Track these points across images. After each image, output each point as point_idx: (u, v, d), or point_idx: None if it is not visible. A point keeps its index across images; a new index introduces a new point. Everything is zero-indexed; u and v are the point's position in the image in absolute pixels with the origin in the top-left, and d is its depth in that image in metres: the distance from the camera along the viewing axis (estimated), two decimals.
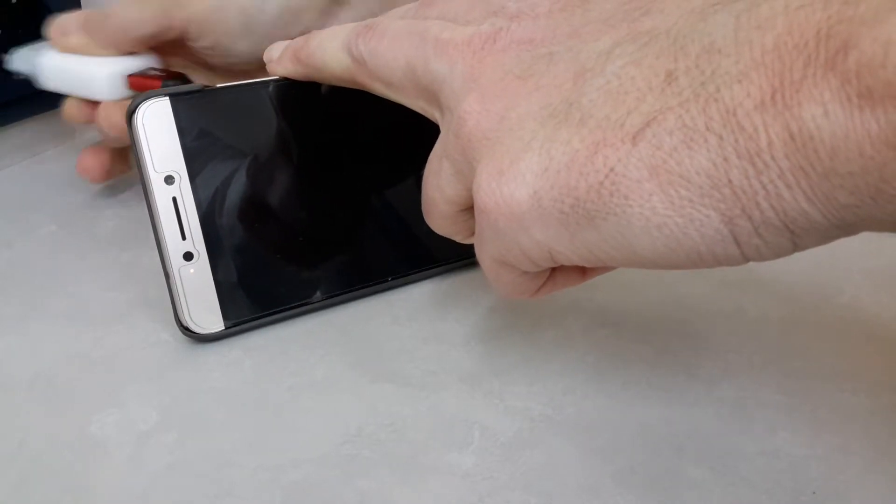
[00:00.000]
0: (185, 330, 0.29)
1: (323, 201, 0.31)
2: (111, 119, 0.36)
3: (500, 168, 0.21)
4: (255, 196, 0.30)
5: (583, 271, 0.25)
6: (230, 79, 0.40)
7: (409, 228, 0.33)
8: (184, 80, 0.37)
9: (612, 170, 0.19)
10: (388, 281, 0.32)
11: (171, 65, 0.39)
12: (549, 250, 0.21)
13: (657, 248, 0.19)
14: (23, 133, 0.45)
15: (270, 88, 0.30)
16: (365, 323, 0.31)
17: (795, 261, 0.35)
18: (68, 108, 0.39)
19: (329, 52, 0.28)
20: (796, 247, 0.18)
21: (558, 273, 0.25)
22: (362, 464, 0.25)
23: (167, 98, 0.28)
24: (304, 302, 0.31)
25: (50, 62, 0.38)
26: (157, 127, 0.28)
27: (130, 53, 0.37)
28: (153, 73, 0.38)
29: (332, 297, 0.31)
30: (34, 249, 0.36)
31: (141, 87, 0.38)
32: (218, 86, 0.29)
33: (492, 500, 0.23)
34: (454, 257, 0.34)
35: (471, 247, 0.34)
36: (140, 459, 0.25)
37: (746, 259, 0.19)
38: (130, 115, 0.28)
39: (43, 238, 0.37)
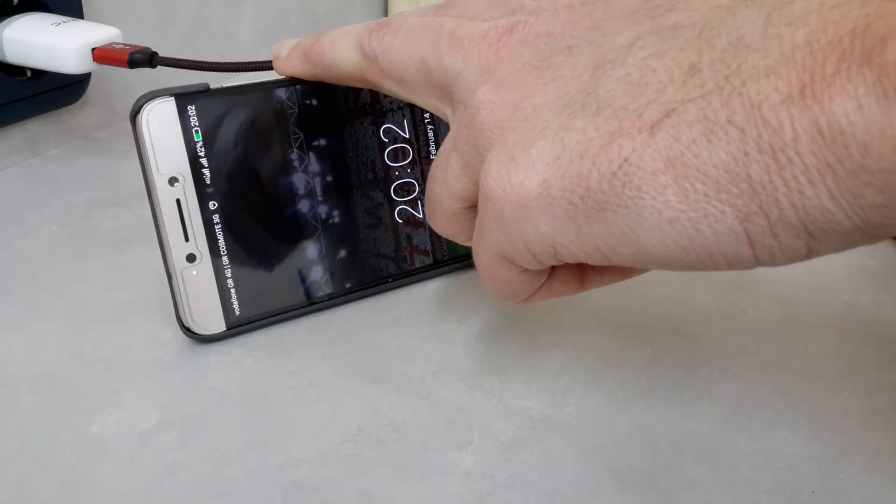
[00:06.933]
0: (187, 331, 0.29)
1: (327, 202, 0.31)
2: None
3: (511, 155, 0.20)
4: (259, 197, 0.30)
5: (580, 281, 0.25)
6: None
7: (409, 229, 0.33)
8: (148, 52, 0.38)
9: (626, 160, 0.18)
10: (388, 282, 0.32)
11: None
12: (554, 244, 0.20)
13: (667, 245, 0.18)
14: (23, 133, 0.45)
15: (277, 88, 0.30)
16: (365, 323, 0.31)
17: None
18: None
19: (340, 49, 0.27)
20: (811, 251, 0.17)
21: (555, 279, 0.24)
22: (362, 464, 0.25)
23: (172, 98, 0.28)
24: (305, 303, 0.31)
25: (13, 35, 0.38)
26: (162, 127, 0.28)
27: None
28: (119, 46, 0.39)
29: (333, 297, 0.31)
30: (35, 249, 0.36)
31: (107, 59, 0.39)
32: (224, 85, 0.29)
33: (492, 500, 0.23)
34: (455, 258, 0.34)
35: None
36: (140, 459, 0.25)
37: (758, 261, 0.18)
38: (134, 115, 0.27)
39: (43, 238, 0.37)
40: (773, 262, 0.18)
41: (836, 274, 0.35)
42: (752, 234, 0.17)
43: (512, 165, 0.20)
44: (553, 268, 0.23)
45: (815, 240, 0.17)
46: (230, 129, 0.29)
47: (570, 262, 0.21)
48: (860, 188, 0.16)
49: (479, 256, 0.23)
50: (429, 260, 0.33)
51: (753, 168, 0.16)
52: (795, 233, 0.17)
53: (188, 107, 0.28)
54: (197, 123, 0.28)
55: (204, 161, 0.28)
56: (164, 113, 0.28)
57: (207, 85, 0.28)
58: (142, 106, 0.27)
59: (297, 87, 0.30)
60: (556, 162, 0.19)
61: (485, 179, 0.21)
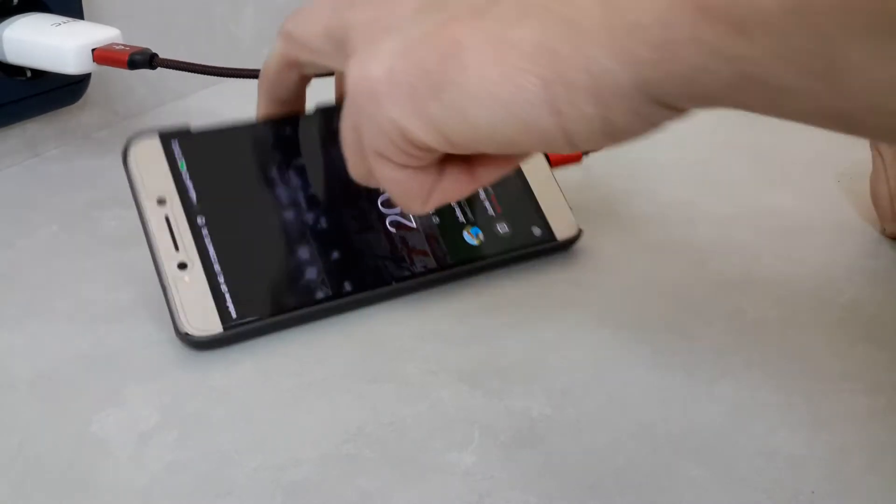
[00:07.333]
0: (185, 336, 0.29)
1: (312, 211, 0.32)
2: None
3: (366, 53, 0.23)
4: (244, 207, 0.31)
5: (471, 177, 0.25)
6: None
7: (403, 233, 0.33)
8: (148, 53, 0.39)
9: (457, 42, 0.21)
10: (391, 284, 0.32)
11: None
12: (402, 128, 0.22)
13: (491, 120, 0.20)
14: (23, 133, 0.45)
15: (248, 129, 0.32)
16: (365, 323, 0.31)
17: (795, 261, 0.35)
18: None
19: (271, 54, 0.31)
20: (608, 124, 0.19)
21: (445, 179, 0.25)
22: (362, 464, 0.25)
23: (156, 134, 0.31)
24: (299, 305, 0.31)
25: (13, 35, 0.39)
26: (149, 157, 0.30)
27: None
28: (119, 47, 0.39)
29: (331, 299, 0.31)
30: (35, 250, 0.36)
31: (107, 60, 0.39)
32: (202, 127, 0.32)
33: (492, 500, 0.23)
34: (454, 263, 0.33)
35: (477, 250, 0.34)
36: (141, 459, 0.25)
37: (566, 135, 0.20)
38: (125, 152, 0.30)
39: (44, 238, 0.37)
40: (580, 136, 0.20)
41: (836, 274, 0.35)
42: (556, 102, 0.19)
43: (365, 60, 0.22)
44: (442, 167, 0.24)
45: (607, 107, 0.19)
46: (214, 157, 0.31)
47: (423, 147, 0.22)
48: (635, 45, 0.18)
49: (369, 160, 0.25)
50: (431, 262, 0.33)
51: (556, 40, 0.19)
52: (588, 99, 0.19)
53: (172, 140, 0.31)
54: (181, 154, 0.31)
55: (189, 184, 0.31)
56: (150, 146, 0.31)
57: (187, 125, 0.31)
58: (130, 143, 0.31)
59: (272, 122, 0.33)
60: (401, 51, 0.22)
61: (347, 81, 0.23)
